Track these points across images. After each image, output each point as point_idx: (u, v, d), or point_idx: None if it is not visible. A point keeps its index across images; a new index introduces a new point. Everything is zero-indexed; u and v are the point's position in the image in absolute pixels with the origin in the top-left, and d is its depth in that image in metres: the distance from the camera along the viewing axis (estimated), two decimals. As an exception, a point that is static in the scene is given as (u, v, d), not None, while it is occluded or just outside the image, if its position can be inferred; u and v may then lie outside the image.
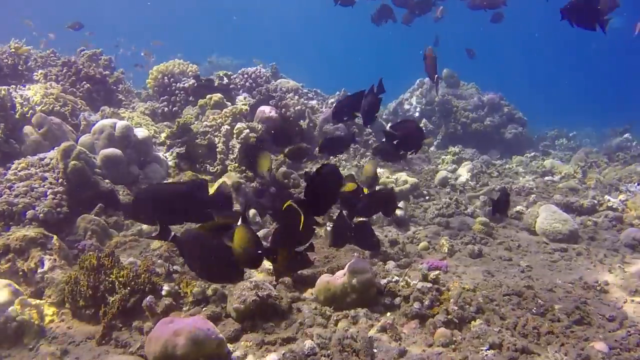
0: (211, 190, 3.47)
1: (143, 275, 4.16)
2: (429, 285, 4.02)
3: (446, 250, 5.28)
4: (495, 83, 13.62)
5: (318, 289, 4.07)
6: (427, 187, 7.40)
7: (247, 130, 6.98)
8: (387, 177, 7.14)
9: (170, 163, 6.69)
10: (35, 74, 7.70)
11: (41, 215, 5.11)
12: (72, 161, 5.60)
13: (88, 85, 7.58)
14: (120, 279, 4.07)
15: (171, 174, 6.62)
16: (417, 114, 12.23)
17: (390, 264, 4.81)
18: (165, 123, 7.62)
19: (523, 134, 12.13)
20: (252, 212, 5.88)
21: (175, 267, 4.63)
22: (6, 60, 8.19)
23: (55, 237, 4.67)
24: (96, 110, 7.41)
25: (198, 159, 6.83)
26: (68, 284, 4.11)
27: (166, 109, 7.97)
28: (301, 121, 8.47)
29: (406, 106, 12.37)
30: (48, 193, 5.31)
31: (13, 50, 8.30)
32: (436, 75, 6.22)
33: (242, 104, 7.55)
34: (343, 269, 4.22)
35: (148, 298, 3.82)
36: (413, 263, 5.01)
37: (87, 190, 5.71)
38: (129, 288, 4.04)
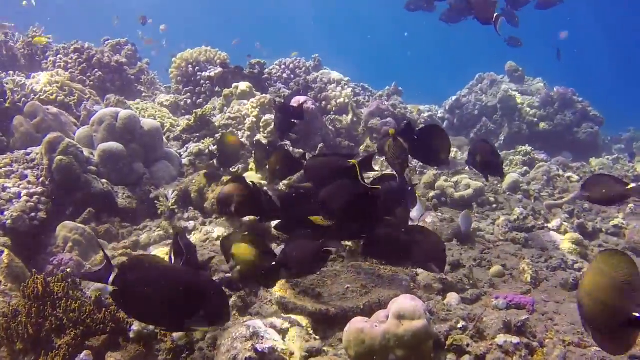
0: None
1: (104, 310, 2.91)
2: (515, 340, 2.57)
3: (529, 279, 3.77)
4: (564, 78, 11.79)
5: (348, 339, 2.68)
6: (494, 192, 5.87)
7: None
8: (445, 181, 5.67)
9: (184, 161, 5.47)
10: (44, 62, 6.71)
11: (8, 222, 3.98)
12: (58, 156, 4.46)
13: (100, 73, 6.52)
14: (71, 315, 2.83)
15: (185, 173, 5.41)
16: (476, 112, 10.62)
17: (453, 298, 3.37)
18: (186, 117, 6.44)
19: (599, 134, 10.30)
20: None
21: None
22: (22, 49, 7.26)
23: (5, 251, 3.51)
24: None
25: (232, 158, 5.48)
26: (5, 317, 2.91)
27: (189, 100, 6.81)
28: (344, 116, 7.12)
29: (464, 103, 10.78)
30: (22, 194, 4.19)
31: (30, 39, 7.37)
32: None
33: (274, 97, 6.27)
34: (385, 306, 2.84)
35: (82, 356, 2.54)
36: (484, 296, 3.55)
37: (76, 192, 4.56)
38: (81, 328, 2.80)
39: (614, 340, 1.69)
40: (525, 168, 6.92)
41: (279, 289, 3.29)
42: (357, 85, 10.10)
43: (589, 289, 1.73)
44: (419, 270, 3.74)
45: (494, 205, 5.62)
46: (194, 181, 5.05)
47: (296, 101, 6.41)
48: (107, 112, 5.07)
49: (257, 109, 5.92)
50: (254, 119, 5.74)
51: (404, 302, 2.70)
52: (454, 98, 11.03)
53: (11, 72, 5.52)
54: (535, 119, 10.18)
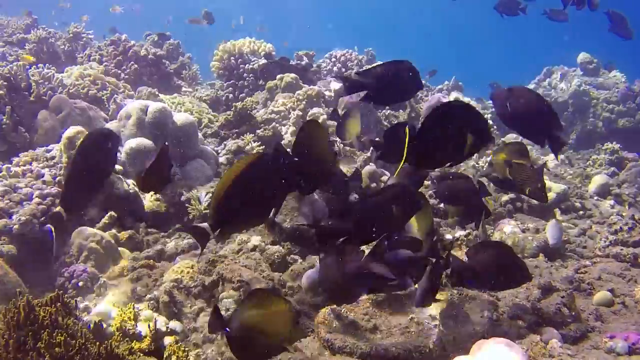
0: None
1: (99, 345, 2.23)
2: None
3: (649, 310, 2.84)
4: None
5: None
6: (579, 197, 4.88)
7: (325, 117, 4.93)
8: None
9: (222, 159, 4.80)
10: (79, 55, 6.24)
11: (15, 227, 3.40)
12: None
13: (136, 66, 5.97)
14: (56, 350, 2.16)
15: (221, 173, 4.73)
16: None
17: (553, 337, 2.49)
18: (227, 113, 5.80)
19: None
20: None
21: (172, 325, 2.65)
22: (63, 46, 6.85)
23: (-3, 262, 2.91)
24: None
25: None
26: (-20, 350, 2.28)
27: (231, 95, 6.15)
28: (400, 111, 6.28)
29: (530, 99, 9.68)
30: (34, 196, 3.61)
31: (71, 35, 6.95)
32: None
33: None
34: (463, 348, 2.03)
35: None
36: (591, 333, 2.65)
37: (97, 193, 3.96)
38: (66, 370, 2.13)
39: None
40: (612, 169, 5.83)
41: (322, 320, 2.52)
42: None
43: None
44: (500, 294, 2.89)
45: (581, 212, 4.65)
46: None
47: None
48: (135, 106, 4.46)
49: (304, 102, 5.19)
50: (300, 113, 5.00)
51: (496, 352, 1.87)
52: (519, 94, 9.93)
53: (40, 65, 5.03)
54: (613, 116, 8.97)
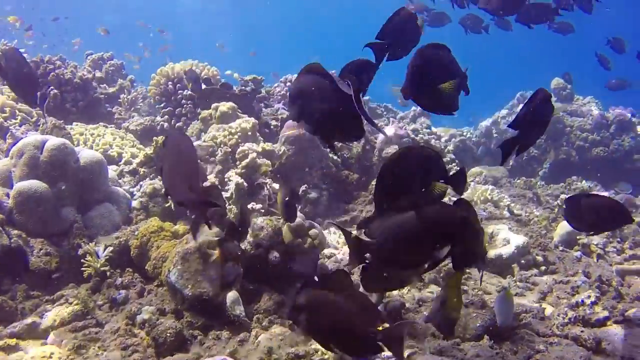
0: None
1: None
2: None
3: None
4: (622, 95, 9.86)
5: None
6: (542, 248, 4.24)
7: (254, 155, 4.25)
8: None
9: (135, 203, 4.10)
10: (-5, 78, 5.53)
11: None
12: (-59, 202, 3.17)
13: (56, 91, 5.26)
14: None
15: (134, 219, 4.03)
16: (516, 136, 8.89)
17: None
18: (149, 147, 5.10)
19: (664, 162, 8.40)
20: (231, 296, 3.11)
21: None
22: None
23: None
24: (70, 125, 5.06)
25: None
26: None
27: (166, 124, 5.46)
28: (355, 142, 5.63)
29: (503, 126, 9.08)
30: None
31: None
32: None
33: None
34: None
35: None
36: None
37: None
38: None
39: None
40: (582, 211, 5.20)
41: None
42: (379, 105, 8.61)
43: None
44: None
45: (543, 268, 4.00)
46: (136, 233, 3.66)
47: (289, 126, 4.96)
48: (29, 142, 3.75)
49: (237, 136, 4.51)
50: (229, 150, 4.32)
51: None
52: (491, 120, 9.35)
53: None
54: (587, 144, 8.40)
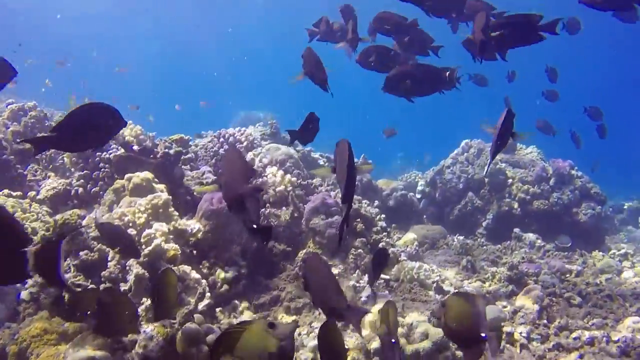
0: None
1: None
2: None
3: None
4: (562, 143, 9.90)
5: None
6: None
7: (161, 240, 3.91)
8: (399, 324, 3.83)
9: (24, 294, 3.68)
10: None
11: None
12: None
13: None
14: None
15: (21, 315, 3.61)
16: (460, 186, 8.80)
17: None
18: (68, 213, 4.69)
19: (602, 215, 8.43)
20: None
21: None
22: None
23: None
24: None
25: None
26: None
27: (81, 189, 5.06)
28: (284, 209, 5.35)
29: (447, 175, 8.98)
30: None
31: None
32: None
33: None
34: None
35: None
36: None
37: None
38: None
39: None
40: (511, 287, 5.01)
41: None
42: (322, 155, 8.38)
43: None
44: None
45: (463, 366, 3.76)
46: (16, 337, 3.26)
47: (207, 200, 4.63)
48: None
49: (146, 214, 4.17)
50: (133, 232, 3.97)
51: None
52: (436, 169, 9.26)
53: None
54: (528, 197, 8.38)
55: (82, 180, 5.13)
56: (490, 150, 3.02)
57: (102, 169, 5.14)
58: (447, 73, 3.89)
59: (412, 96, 4.01)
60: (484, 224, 8.53)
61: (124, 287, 3.63)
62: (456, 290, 4.66)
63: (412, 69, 4.06)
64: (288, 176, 5.53)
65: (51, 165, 5.71)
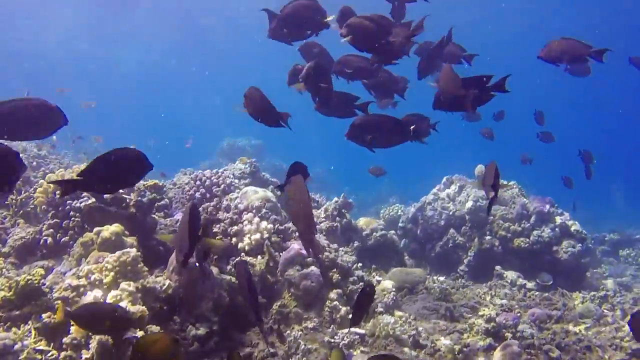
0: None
1: None
2: None
3: None
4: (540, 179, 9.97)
5: None
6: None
7: (127, 303, 3.77)
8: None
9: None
10: None
11: None
12: None
13: None
14: None
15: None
16: (442, 223, 8.76)
17: None
18: (38, 264, 4.53)
19: (582, 253, 8.39)
20: None
21: None
22: None
23: None
24: None
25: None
26: None
27: (50, 239, 4.92)
28: (259, 258, 5.24)
29: (429, 212, 8.93)
30: None
31: None
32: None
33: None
34: None
35: None
36: None
37: None
38: None
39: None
40: (489, 340, 4.91)
41: None
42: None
43: None
44: None
45: None
46: None
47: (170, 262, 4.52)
48: None
49: (113, 272, 4.03)
50: (98, 294, 3.82)
51: None
52: (417, 205, 9.21)
53: None
54: (509, 235, 8.35)
55: (51, 230, 4.98)
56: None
57: (72, 219, 5.00)
58: (413, 127, 3.83)
59: (375, 147, 3.92)
60: (465, 261, 8.47)
61: (86, 355, 3.47)
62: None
63: (377, 118, 3.97)
64: (264, 223, 5.43)
65: (21, 211, 5.55)
